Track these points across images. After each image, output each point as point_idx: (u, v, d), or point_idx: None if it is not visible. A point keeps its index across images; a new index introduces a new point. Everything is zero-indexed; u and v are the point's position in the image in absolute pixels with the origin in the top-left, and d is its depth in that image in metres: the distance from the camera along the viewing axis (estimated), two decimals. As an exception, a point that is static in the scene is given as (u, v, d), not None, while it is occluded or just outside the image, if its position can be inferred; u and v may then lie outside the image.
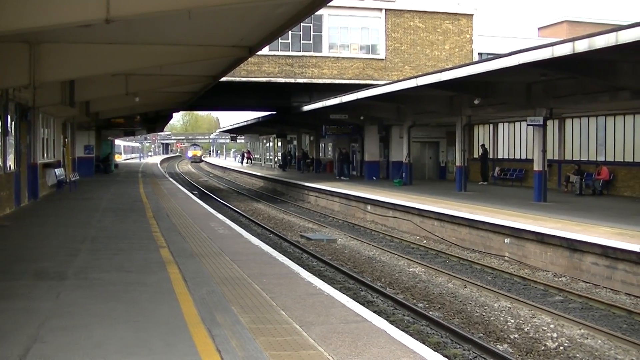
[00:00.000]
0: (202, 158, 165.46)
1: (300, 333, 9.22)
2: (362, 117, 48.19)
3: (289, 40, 47.81)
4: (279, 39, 41.12)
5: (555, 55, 21.81)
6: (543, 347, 13.44)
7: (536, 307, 16.31)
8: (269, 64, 47.75)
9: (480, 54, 51.72)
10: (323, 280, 13.87)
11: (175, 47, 21.94)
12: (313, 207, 42.83)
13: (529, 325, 14.98)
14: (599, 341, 13.83)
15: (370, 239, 28.24)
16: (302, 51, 48.38)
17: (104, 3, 13.04)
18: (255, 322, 9.68)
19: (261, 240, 19.40)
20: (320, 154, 70.49)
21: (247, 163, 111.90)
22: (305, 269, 15.24)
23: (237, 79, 46.17)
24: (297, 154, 78.34)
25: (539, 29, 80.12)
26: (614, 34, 19.30)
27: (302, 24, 45.88)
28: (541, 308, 16.22)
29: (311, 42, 48.71)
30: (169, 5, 14.10)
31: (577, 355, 13.02)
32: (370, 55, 49.91)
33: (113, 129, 61.82)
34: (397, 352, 8.51)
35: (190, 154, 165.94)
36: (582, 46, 20.51)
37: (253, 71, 47.29)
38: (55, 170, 36.56)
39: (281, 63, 48.04)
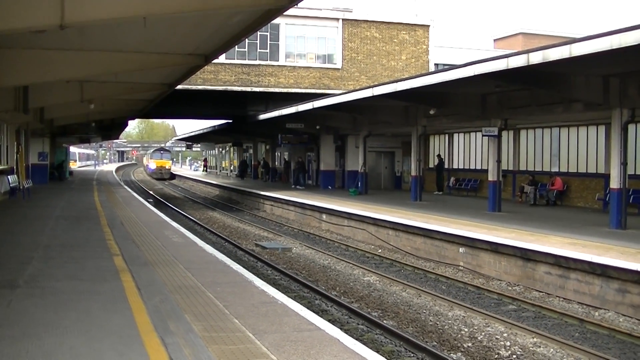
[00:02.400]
0: (172, 172, 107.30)
1: (253, 341, 9.20)
2: (318, 127, 48.26)
3: (246, 49, 47.72)
4: (236, 47, 41.08)
5: (510, 67, 22.00)
6: (496, 356, 13.52)
7: (490, 316, 16.41)
8: (225, 73, 47.61)
9: (436, 64, 52.02)
10: (278, 289, 13.85)
11: (130, 54, 21.81)
12: (268, 216, 42.77)
13: (483, 334, 15.07)
14: (552, 349, 13.94)
15: (326, 248, 28.25)
16: (259, 60, 48.32)
17: (59, 9, 12.93)
18: (208, 331, 9.64)
19: (216, 249, 19.34)
20: (277, 163, 70.39)
21: (203, 171, 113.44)
22: (260, 278, 15.23)
23: (194, 87, 46.00)
24: (252, 163, 78.30)
25: (494, 40, 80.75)
26: (567, 46, 19.52)
27: (259, 33, 45.84)
28: (495, 317, 16.32)
29: (268, 50, 48.65)
30: (124, 12, 14.01)
31: (530, 363, 13.12)
32: (326, 65, 49.97)
33: (68, 136, 61.33)
34: (349, 360, 8.53)
35: (152, 165, 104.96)
36: (536, 58, 20.72)
37: (209, 79, 47.12)
38: (8, 177, 36.15)
39: (238, 71, 47.93)
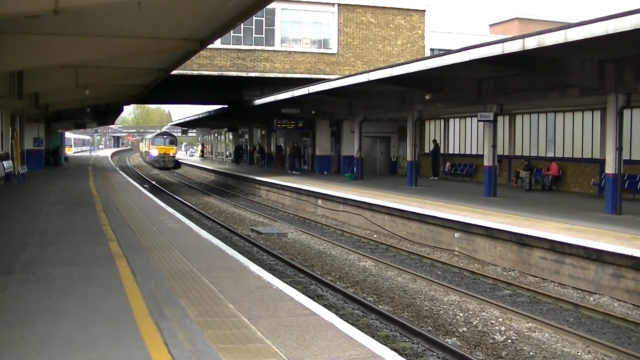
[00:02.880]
0: (177, 160, 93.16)
1: (248, 326, 9.21)
2: (313, 112, 48.20)
3: (241, 34, 47.64)
4: (231, 32, 41.00)
5: (505, 52, 21.97)
6: (491, 341, 13.55)
7: (485, 301, 16.45)
8: (220, 58, 47.53)
9: (432, 49, 51.97)
10: (273, 274, 13.85)
11: (125, 39, 21.73)
12: (264, 201, 42.78)
13: (478, 318, 15.10)
14: (546, 334, 13.98)
15: (321, 233, 28.27)
16: (254, 45, 48.25)
17: (53, -7, 12.87)
18: (203, 316, 9.65)
19: (211, 234, 19.36)
20: (272, 148, 70.34)
21: (199, 156, 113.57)
22: (255, 263, 15.26)
23: (189, 72, 45.96)
24: (248, 148, 78.31)
25: (490, 25, 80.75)
26: (563, 31, 19.50)
27: (254, 18, 45.83)
28: (490, 302, 16.35)
29: (263, 36, 48.58)
30: (118, -3, 13.97)
31: (525, 348, 13.15)
32: (322, 50, 49.91)
33: (63, 122, 61.23)
34: (344, 345, 8.54)
35: (154, 152, 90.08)
36: (531, 43, 20.70)
37: (205, 64, 47.06)
38: (4, 162, 36.11)
39: (233, 57, 47.86)
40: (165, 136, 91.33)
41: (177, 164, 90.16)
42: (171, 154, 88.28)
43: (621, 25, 17.53)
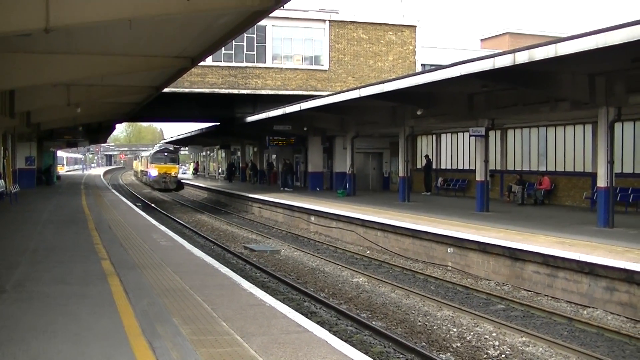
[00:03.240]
0: (180, 180, 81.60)
1: (241, 344, 9.18)
2: (305, 128, 48.24)
3: (233, 51, 47.70)
4: (223, 49, 41.15)
5: (496, 67, 22.03)
6: (485, 356, 13.53)
7: (479, 316, 16.43)
8: (212, 75, 47.58)
9: (423, 64, 52.09)
10: (266, 292, 13.85)
11: (116, 57, 21.78)
12: (257, 218, 42.73)
13: (472, 333, 15.08)
14: (540, 348, 13.96)
15: (314, 250, 28.24)
16: (246, 62, 48.31)
17: (44, 12, 12.90)
18: (196, 334, 9.62)
19: (204, 252, 19.34)
20: (265, 165, 70.37)
21: (192, 174, 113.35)
22: (248, 280, 15.24)
23: (181, 89, 45.99)
24: (240, 165, 78.37)
25: (481, 40, 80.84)
26: (553, 46, 19.57)
27: (245, 35, 45.90)
28: (484, 317, 16.34)
29: (255, 53, 48.65)
30: (109, 15, 13.98)
31: (518, 363, 13.14)
32: (313, 67, 50.00)
33: (55, 140, 61.17)
34: (338, 362, 8.53)
35: (153, 171, 76.06)
36: (522, 57, 20.77)
37: (196, 82, 47.10)
38: (-5, 182, 36.00)
39: (225, 74, 47.91)
40: (165, 153, 77.05)
41: (180, 185, 78.55)
42: (173, 174, 74.67)
43: (611, 39, 17.59)
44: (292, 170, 56.32)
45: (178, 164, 79.44)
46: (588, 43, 18.36)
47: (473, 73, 23.30)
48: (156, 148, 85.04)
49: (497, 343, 14.33)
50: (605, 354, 13.61)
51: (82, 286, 13.12)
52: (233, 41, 39.62)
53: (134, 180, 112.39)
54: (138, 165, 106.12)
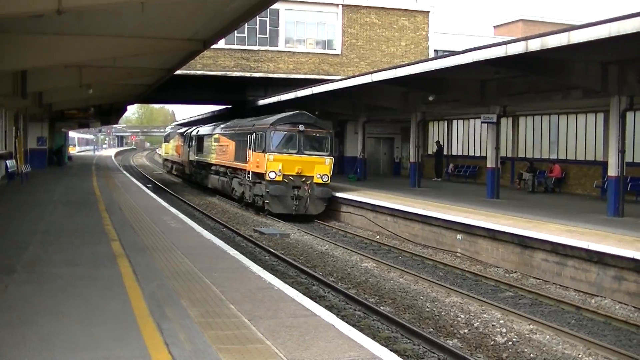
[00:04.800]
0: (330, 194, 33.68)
1: (248, 327, 9.23)
2: (316, 113, 48.09)
3: (245, 34, 47.69)
4: (235, 32, 41.04)
5: (508, 54, 21.99)
6: (492, 342, 13.56)
7: (486, 303, 16.45)
8: (224, 58, 47.59)
9: (435, 50, 51.94)
10: (275, 275, 13.90)
11: (128, 39, 21.78)
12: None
13: (479, 320, 15.10)
14: (547, 336, 13.98)
15: (323, 234, 28.28)
16: (258, 45, 48.28)
17: (56, -6, 12.91)
18: (204, 316, 9.67)
19: (214, 235, 19.37)
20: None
21: None
22: (257, 264, 15.26)
23: (193, 72, 46.00)
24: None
25: (494, 27, 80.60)
26: (566, 34, 19.52)
27: (258, 18, 45.80)
28: (491, 304, 16.36)
29: (267, 36, 48.61)
30: (121, -3, 14.01)
31: (526, 350, 13.15)
32: (326, 51, 49.94)
33: (67, 121, 61.28)
34: (344, 346, 8.57)
35: (272, 172, 32.12)
36: (535, 45, 20.71)
37: (209, 65, 47.13)
38: (7, 161, 36.14)
39: (237, 57, 47.92)
40: (301, 127, 33.17)
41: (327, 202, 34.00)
42: (320, 176, 32.80)
43: (624, 27, 17.54)
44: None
45: (331, 154, 33.85)
46: (601, 31, 18.32)
47: (485, 60, 23.26)
48: (276, 117, 34.36)
49: (504, 330, 14.36)
50: (613, 343, 13.63)
51: (92, 268, 13.18)
52: (246, 24, 39.63)
53: (145, 162, 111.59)
54: (190, 154, 55.28)
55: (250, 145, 34.48)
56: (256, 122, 35.66)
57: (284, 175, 31.94)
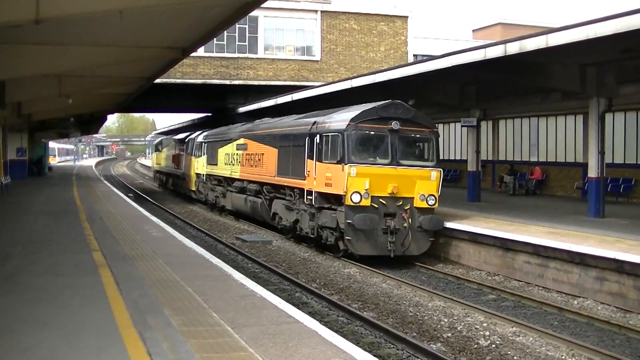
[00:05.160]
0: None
1: (231, 335, 9.21)
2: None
3: (225, 42, 47.64)
4: (214, 40, 41.02)
5: (487, 57, 22.09)
6: (475, 346, 13.57)
7: (469, 306, 16.47)
8: (204, 66, 47.53)
9: (415, 55, 52.10)
10: (258, 282, 13.89)
11: (107, 48, 21.70)
12: (249, 209, 42.48)
13: (462, 324, 15.12)
14: (531, 338, 14.01)
15: (305, 240, 28.22)
16: (238, 52, 48.23)
17: (34, 3, 12.85)
18: (187, 325, 9.64)
19: (196, 243, 19.35)
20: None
21: None
22: (240, 271, 15.26)
23: (173, 80, 45.90)
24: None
25: (473, 31, 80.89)
26: (544, 36, 19.64)
27: (237, 26, 45.81)
28: (474, 307, 16.38)
29: (246, 43, 48.57)
30: (99, 6, 13.96)
31: (509, 352, 13.17)
32: (305, 57, 49.95)
33: (47, 131, 61.06)
34: (327, 352, 8.57)
35: (356, 194, 21.62)
36: (513, 48, 20.83)
37: (188, 73, 47.04)
38: (-14, 173, 35.95)
39: (216, 65, 47.86)
40: (395, 123, 22.56)
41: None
42: (427, 197, 22.59)
43: (601, 30, 17.67)
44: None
45: (438, 164, 23.39)
46: (579, 34, 18.45)
47: (465, 64, 23.34)
48: (357, 110, 23.26)
49: (487, 333, 14.37)
50: (595, 343, 13.67)
51: (73, 277, 13.14)
52: (225, 32, 39.54)
53: (126, 171, 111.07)
54: (186, 161, 49.05)
55: (311, 153, 24.06)
56: (320, 119, 24.79)
57: (372, 197, 21.93)
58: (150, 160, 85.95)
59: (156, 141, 72.64)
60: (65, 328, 9.49)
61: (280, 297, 12.48)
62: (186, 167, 47.97)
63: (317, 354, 8.47)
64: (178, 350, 8.43)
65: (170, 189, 56.13)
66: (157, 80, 35.11)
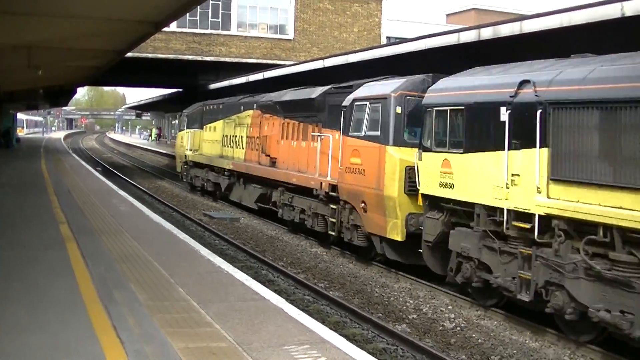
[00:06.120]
0: None
1: (197, 311, 9.22)
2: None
3: (198, 18, 47.38)
4: (187, 15, 40.82)
5: (461, 42, 22.07)
6: (440, 328, 13.65)
7: (436, 289, 16.53)
8: (176, 41, 47.24)
9: (388, 37, 52.09)
10: (225, 259, 13.88)
11: (78, 20, 21.43)
12: (218, 186, 42.38)
13: (428, 306, 15.19)
14: (495, 322, 14.09)
15: (273, 218, 28.20)
16: (211, 29, 47.99)
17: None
18: (153, 300, 9.64)
19: (164, 218, 19.29)
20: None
21: (155, 140, 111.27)
22: (207, 248, 15.22)
23: (144, 55, 45.54)
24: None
25: (447, 15, 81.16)
26: (518, 23, 19.67)
27: (210, 2, 45.69)
28: (440, 289, 16.43)
29: (219, 20, 48.34)
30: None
31: (474, 335, 13.25)
32: (278, 36, 49.81)
33: (15, 103, 60.45)
34: (293, 330, 8.60)
35: None
36: (487, 33, 20.83)
37: (160, 48, 46.72)
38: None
39: (189, 40, 47.59)
40: None
41: None
42: None
43: (575, 18, 17.73)
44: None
45: None
46: (553, 21, 18.48)
47: (437, 47, 23.33)
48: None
49: (452, 316, 14.46)
50: (557, 328, 13.78)
51: (39, 251, 13.07)
52: (198, 7, 39.39)
53: (94, 145, 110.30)
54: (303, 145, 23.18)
55: None
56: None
57: None
58: (118, 135, 78.25)
59: (187, 112, 40.12)
60: (31, 302, 9.45)
61: (247, 274, 12.49)
62: (294, 157, 23.58)
63: (283, 331, 8.50)
64: (144, 325, 8.43)
65: (238, 202, 29.83)
66: (129, 55, 34.78)
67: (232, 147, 30.23)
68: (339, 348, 8.13)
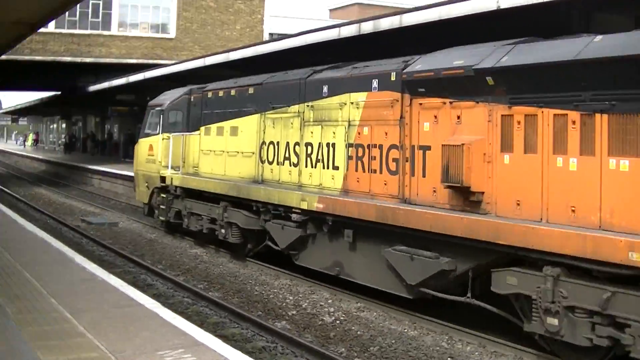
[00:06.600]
0: None
1: (70, 321, 9.08)
2: (149, 98, 47.57)
3: (77, 18, 46.51)
4: (66, 15, 40.03)
5: (342, 36, 22.13)
6: (320, 322, 13.73)
7: (316, 284, 16.60)
8: (54, 42, 46.26)
9: (271, 34, 52.09)
10: (102, 265, 13.75)
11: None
12: (96, 190, 41.69)
13: (308, 301, 15.26)
14: (375, 313, 14.25)
15: (152, 222, 27.81)
16: (90, 29, 47.17)
17: None
18: (22, 312, 9.44)
19: (38, 227, 18.92)
20: (106, 136, 68.75)
21: (32, 146, 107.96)
22: (85, 255, 15.05)
23: (20, 57, 44.35)
24: (81, 136, 76.31)
25: (330, 10, 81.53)
26: (398, 16, 19.89)
27: (90, 1, 44.92)
28: (320, 284, 16.50)
29: (100, 20, 47.61)
30: None
31: (353, 328, 13.36)
32: (160, 35, 49.35)
33: None
34: (168, 334, 8.58)
35: None
36: (367, 27, 20.98)
37: (37, 49, 45.65)
38: None
39: (67, 41, 46.68)
40: None
41: None
42: None
43: (453, 11, 18.04)
44: (133, 141, 55.50)
45: None
46: (432, 14, 18.74)
47: (318, 42, 23.40)
48: None
49: (332, 309, 14.56)
50: (436, 315, 13.96)
51: None
52: (77, 7, 38.70)
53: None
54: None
55: None
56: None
57: None
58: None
59: (172, 101, 25.51)
60: None
61: (124, 280, 12.41)
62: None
63: (158, 337, 8.47)
64: (11, 340, 8.23)
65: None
66: (3, 57, 33.98)
67: (294, 164, 17.33)
68: (214, 350, 8.14)
